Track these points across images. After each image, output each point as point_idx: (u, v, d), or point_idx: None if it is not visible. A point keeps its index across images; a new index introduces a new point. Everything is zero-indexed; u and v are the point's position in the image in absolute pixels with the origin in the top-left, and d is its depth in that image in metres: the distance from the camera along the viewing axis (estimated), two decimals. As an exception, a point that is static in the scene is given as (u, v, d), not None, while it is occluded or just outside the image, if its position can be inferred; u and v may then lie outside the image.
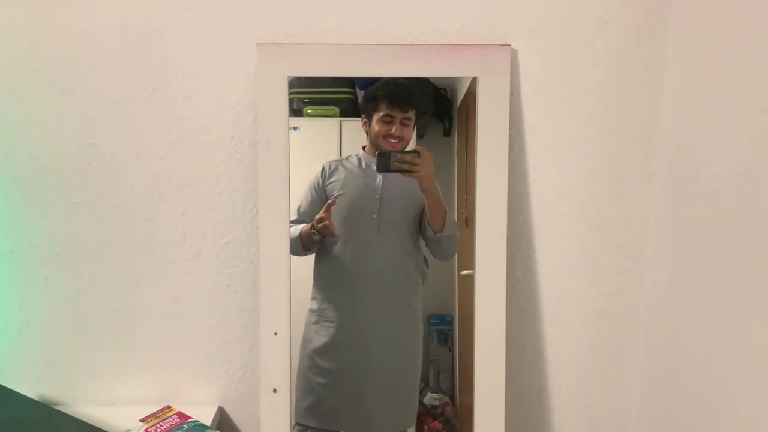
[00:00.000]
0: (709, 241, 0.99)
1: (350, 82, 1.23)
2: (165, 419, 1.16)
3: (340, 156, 1.25)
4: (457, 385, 1.34)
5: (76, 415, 1.12)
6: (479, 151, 1.13)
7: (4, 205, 1.19)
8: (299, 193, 1.21)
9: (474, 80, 1.13)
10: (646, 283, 1.21)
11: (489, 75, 1.12)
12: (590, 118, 1.16)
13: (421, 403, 1.30)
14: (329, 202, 1.19)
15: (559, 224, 1.21)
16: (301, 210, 1.21)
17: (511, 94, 1.13)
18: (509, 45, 1.12)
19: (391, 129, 1.19)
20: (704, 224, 1.01)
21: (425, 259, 1.24)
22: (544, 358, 1.26)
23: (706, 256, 1.00)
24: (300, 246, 1.19)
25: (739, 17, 0.93)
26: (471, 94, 1.15)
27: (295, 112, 1.16)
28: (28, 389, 1.22)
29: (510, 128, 1.13)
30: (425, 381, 1.31)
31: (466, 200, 1.20)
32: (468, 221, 1.19)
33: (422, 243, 1.23)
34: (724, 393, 0.94)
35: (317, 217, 1.19)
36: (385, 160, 1.15)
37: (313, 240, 1.20)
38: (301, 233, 1.19)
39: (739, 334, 0.91)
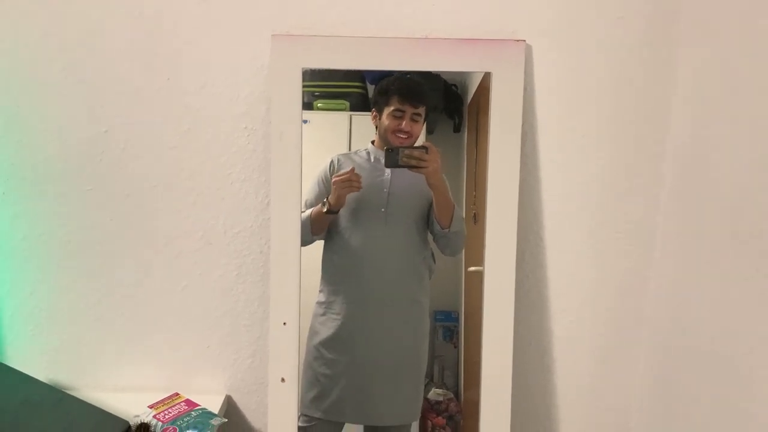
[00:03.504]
0: (718, 242, 0.99)
1: (361, 77, 1.23)
2: (173, 406, 1.17)
3: (350, 150, 1.25)
4: (462, 382, 1.34)
5: (86, 400, 1.13)
6: (491, 147, 1.13)
7: (17, 191, 1.20)
8: (307, 186, 1.20)
9: (487, 75, 1.13)
10: (653, 282, 1.21)
11: (503, 70, 1.11)
12: (602, 115, 1.16)
13: (425, 398, 1.29)
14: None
15: (569, 221, 1.21)
16: (309, 204, 1.21)
17: (525, 89, 1.13)
18: (524, 41, 1.12)
19: (401, 124, 1.19)
20: (713, 224, 1.00)
21: (432, 255, 1.24)
22: (551, 355, 1.26)
23: (714, 256, 1.00)
24: (309, 229, 1.19)
25: (750, 16, 0.93)
26: (483, 89, 1.15)
27: (306, 105, 1.15)
28: (39, 373, 1.23)
29: (522, 124, 1.13)
30: (429, 377, 1.31)
31: (475, 196, 1.20)
32: (476, 217, 1.19)
33: (430, 238, 1.23)
34: (729, 393, 0.95)
35: (339, 178, 1.18)
36: (393, 156, 1.15)
37: (323, 221, 1.20)
38: (312, 214, 1.19)
39: (745, 335, 0.91)
